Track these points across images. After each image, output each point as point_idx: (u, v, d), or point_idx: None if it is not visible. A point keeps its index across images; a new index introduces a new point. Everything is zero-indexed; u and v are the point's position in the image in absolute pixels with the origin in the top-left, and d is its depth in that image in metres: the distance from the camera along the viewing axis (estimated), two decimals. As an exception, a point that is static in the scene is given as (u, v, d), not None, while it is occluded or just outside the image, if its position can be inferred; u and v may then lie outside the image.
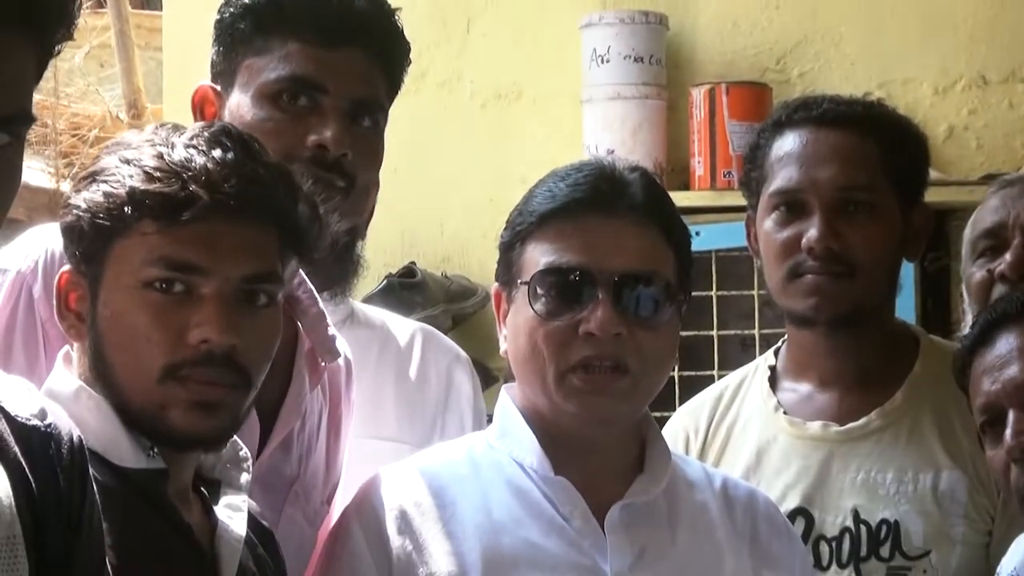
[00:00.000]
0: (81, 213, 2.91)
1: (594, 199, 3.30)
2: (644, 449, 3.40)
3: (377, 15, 3.54)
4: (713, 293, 5.20)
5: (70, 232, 2.97)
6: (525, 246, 3.33)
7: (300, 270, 3.27)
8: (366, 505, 3.33)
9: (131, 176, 2.88)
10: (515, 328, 3.33)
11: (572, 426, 3.29)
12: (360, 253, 4.01)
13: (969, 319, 4.24)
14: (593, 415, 3.27)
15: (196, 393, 2.89)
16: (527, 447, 3.31)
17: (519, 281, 3.31)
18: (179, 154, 2.90)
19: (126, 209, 2.85)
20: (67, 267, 2.98)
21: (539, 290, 3.25)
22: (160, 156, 2.90)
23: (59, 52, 2.39)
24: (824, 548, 3.80)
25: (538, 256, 3.28)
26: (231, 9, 3.54)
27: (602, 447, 3.35)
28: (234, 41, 3.53)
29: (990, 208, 4.39)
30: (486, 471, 3.37)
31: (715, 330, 5.18)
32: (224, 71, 3.55)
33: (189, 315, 2.88)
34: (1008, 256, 4.13)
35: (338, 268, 3.88)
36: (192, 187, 2.85)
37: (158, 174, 2.86)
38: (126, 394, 2.89)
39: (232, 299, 2.92)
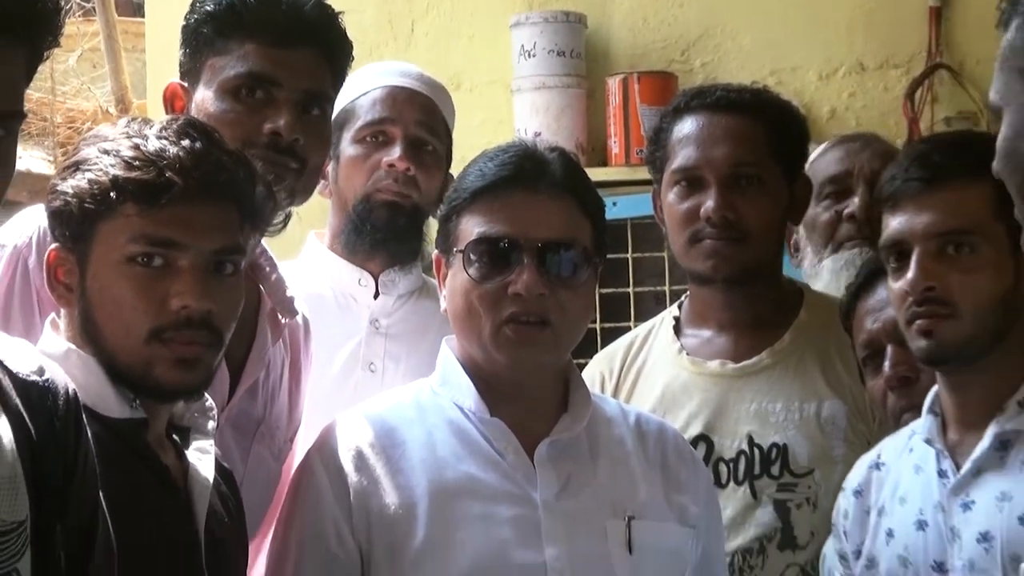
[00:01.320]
0: (69, 199, 2.93)
1: (518, 177, 3.34)
2: (568, 391, 3.43)
3: (323, 18, 3.55)
4: (629, 255, 5.20)
5: (58, 215, 2.98)
6: (460, 219, 3.37)
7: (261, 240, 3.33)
8: (327, 446, 3.35)
9: (113, 165, 2.90)
10: (453, 290, 3.37)
11: (504, 373, 3.34)
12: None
13: (809, 253, 4.58)
14: (522, 363, 3.31)
15: (178, 352, 2.93)
16: (466, 392, 3.35)
17: (455, 249, 3.36)
18: (153, 145, 2.92)
19: (111, 195, 2.87)
20: (55, 245, 2.99)
21: (472, 257, 3.30)
22: (137, 147, 2.92)
23: (48, 57, 2.45)
24: (723, 468, 3.85)
25: (471, 227, 3.33)
26: (195, 15, 3.55)
27: (530, 391, 3.39)
28: (198, 43, 3.54)
29: (834, 159, 4.60)
30: (430, 414, 3.39)
31: (631, 287, 5.18)
32: (190, 70, 3.56)
33: (169, 285, 2.91)
34: (856, 200, 4.40)
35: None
36: (168, 174, 2.88)
37: (137, 163, 2.88)
38: (115, 354, 2.92)
39: (205, 270, 2.95)
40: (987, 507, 3.19)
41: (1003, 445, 3.20)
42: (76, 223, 2.94)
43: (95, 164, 2.94)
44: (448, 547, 3.24)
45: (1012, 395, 3.19)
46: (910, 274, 3.28)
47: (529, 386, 3.39)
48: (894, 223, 3.37)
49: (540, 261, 3.25)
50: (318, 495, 3.30)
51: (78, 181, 2.94)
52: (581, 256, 3.32)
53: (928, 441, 3.35)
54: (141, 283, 2.93)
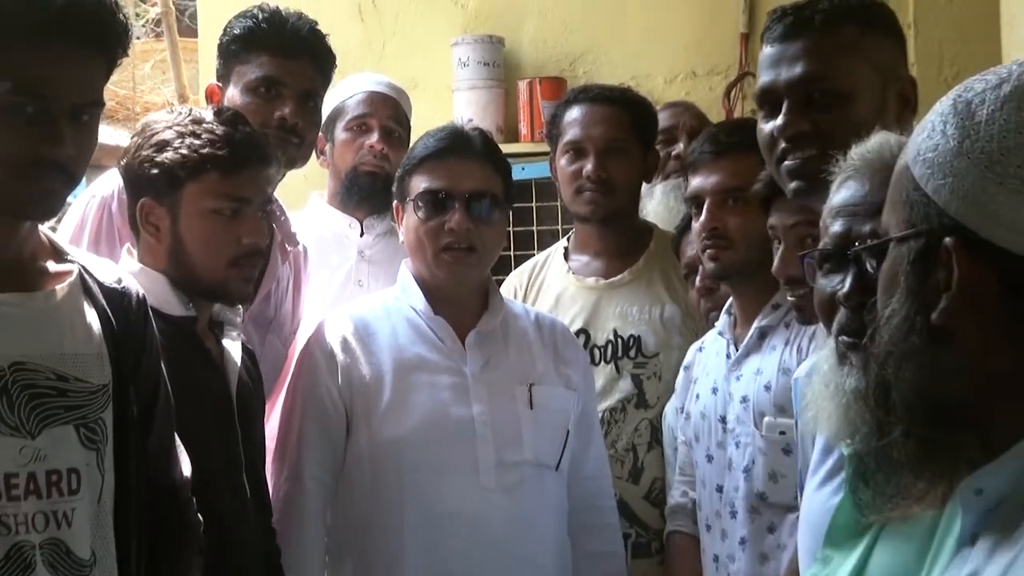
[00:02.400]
0: (161, 167, 2.96)
1: (451, 147, 3.43)
2: (488, 297, 3.51)
3: (316, 38, 3.62)
4: (533, 204, 5.22)
5: (152, 178, 2.99)
6: (411, 177, 3.44)
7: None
8: (320, 334, 3.43)
9: (201, 145, 2.95)
10: (407, 227, 3.45)
11: (443, 285, 3.42)
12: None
13: None
14: (456, 277, 3.40)
15: (246, 273, 3.06)
16: (417, 299, 3.43)
17: (408, 199, 3.44)
18: (222, 130, 2.99)
19: (204, 164, 2.94)
20: (144, 198, 3.01)
21: (420, 204, 3.38)
22: (212, 132, 2.98)
23: (120, 64, 2.48)
24: (596, 352, 3.90)
25: (419, 183, 3.40)
26: (227, 36, 3.62)
27: (461, 296, 3.47)
28: (229, 56, 3.60)
29: (664, 117, 4.57)
30: (393, 313, 3.46)
31: (535, 227, 5.21)
32: (224, 75, 3.63)
33: (241, 227, 3.00)
34: (680, 145, 4.52)
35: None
36: (242, 151, 2.98)
37: (218, 144, 2.95)
38: (200, 274, 3.00)
39: (260, 216, 3.06)
40: (747, 378, 3.31)
41: (762, 334, 3.31)
42: (166, 184, 2.96)
43: (179, 144, 2.97)
44: (405, 405, 3.31)
45: (769, 301, 3.28)
46: (703, 218, 3.40)
47: (460, 293, 3.46)
48: (694, 182, 3.48)
49: (466, 206, 3.34)
50: (316, 369, 3.38)
51: (168, 156, 2.96)
52: (494, 203, 3.41)
53: (720, 333, 3.47)
54: (223, 227, 2.99)
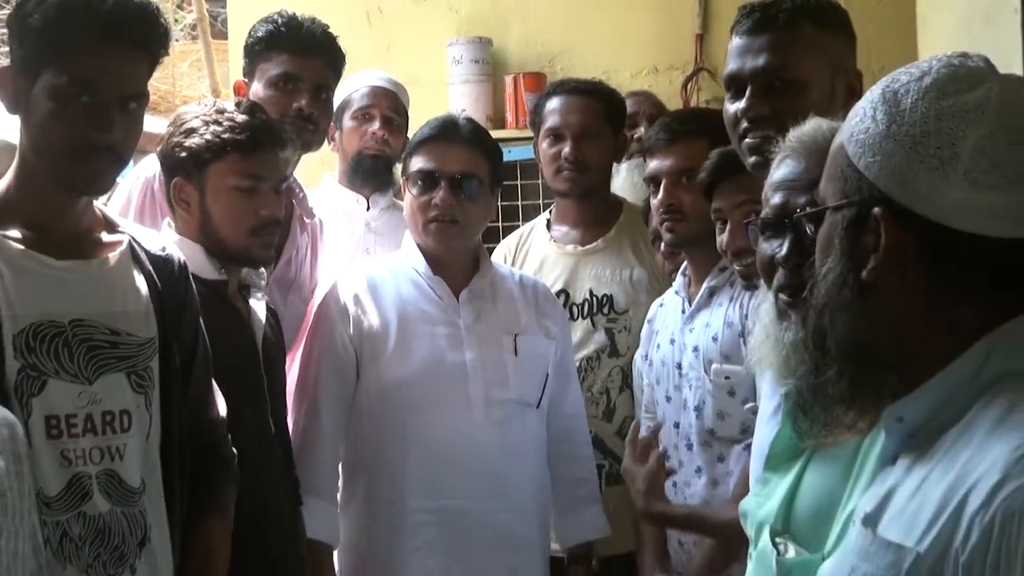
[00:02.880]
0: (189, 151, 2.98)
1: (442, 133, 3.45)
2: (478, 261, 3.53)
3: (328, 39, 3.60)
4: (518, 182, 5.16)
5: (182, 160, 3.01)
6: (410, 159, 3.47)
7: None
8: (335, 290, 3.46)
9: (222, 132, 2.97)
10: (407, 202, 3.47)
11: (434, 250, 3.44)
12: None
13: None
14: (441, 244, 3.41)
15: (266, 240, 3.05)
16: (419, 261, 3.44)
17: (406, 176, 3.46)
18: (241, 118, 3.00)
19: (225, 148, 2.96)
20: (176, 178, 3.04)
21: (413, 182, 3.41)
22: (233, 119, 2.99)
23: (161, 62, 2.51)
24: (575, 309, 3.89)
25: (415, 164, 3.43)
26: (251, 38, 3.61)
27: (454, 260, 3.48)
28: (253, 55, 3.59)
29: (627, 104, 4.42)
30: (398, 274, 3.47)
31: (519, 201, 5.18)
32: (249, 71, 3.62)
33: (258, 201, 3.00)
34: (641, 129, 4.47)
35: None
36: (258, 136, 2.99)
37: (238, 130, 2.97)
38: (226, 243, 3.01)
39: (278, 191, 3.06)
40: (698, 330, 3.31)
41: (711, 293, 3.31)
42: (193, 165, 2.99)
43: (204, 131, 2.99)
44: (407, 351, 3.34)
45: (717, 264, 3.28)
46: (660, 196, 3.39)
47: (453, 258, 3.47)
48: (651, 164, 3.47)
49: (452, 184, 3.35)
50: (331, 319, 3.41)
51: (195, 140, 2.99)
52: (478, 183, 3.41)
53: (677, 292, 3.48)
54: (243, 202, 3.00)
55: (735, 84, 2.63)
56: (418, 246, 3.48)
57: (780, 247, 2.14)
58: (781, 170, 2.17)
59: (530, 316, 3.52)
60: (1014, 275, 1.53)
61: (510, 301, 3.53)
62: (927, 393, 1.55)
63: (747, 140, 2.59)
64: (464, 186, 3.38)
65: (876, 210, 1.53)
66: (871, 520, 1.54)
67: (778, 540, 2.05)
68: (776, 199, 2.17)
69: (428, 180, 3.39)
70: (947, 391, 1.54)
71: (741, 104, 2.61)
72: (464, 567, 3.31)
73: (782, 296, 2.14)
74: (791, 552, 2.01)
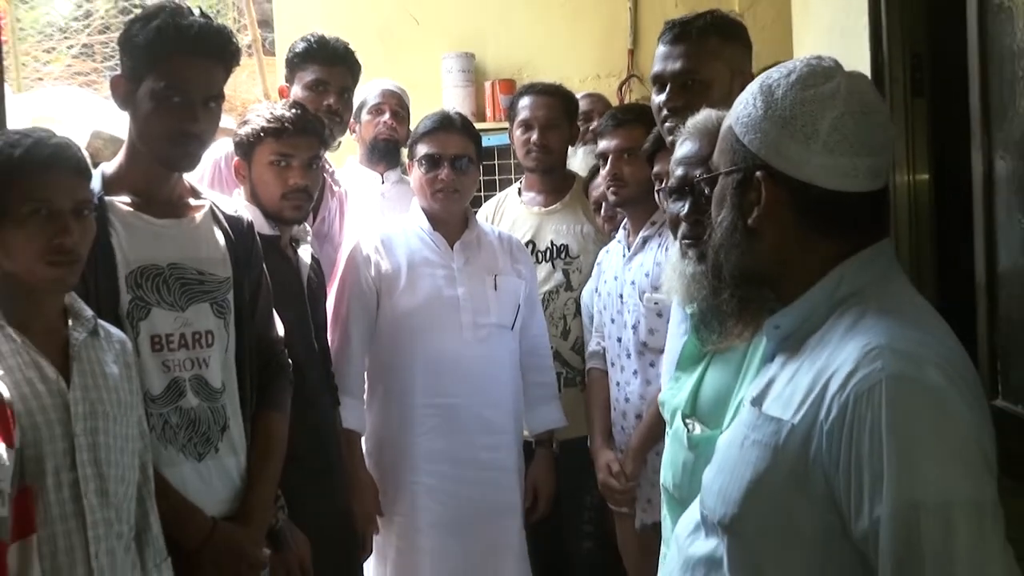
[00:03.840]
0: (242, 136, 3.00)
1: (441, 125, 3.42)
2: (467, 220, 3.51)
3: (349, 53, 3.57)
4: (496, 162, 5.10)
5: (239, 144, 3.03)
6: (417, 145, 3.42)
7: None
8: (360, 244, 3.43)
9: (262, 122, 2.97)
10: (414, 177, 3.44)
11: (437, 213, 3.41)
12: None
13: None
14: (445, 208, 3.40)
15: (294, 202, 2.99)
16: (422, 221, 3.43)
17: (414, 159, 3.42)
18: (278, 112, 2.98)
19: (261, 134, 2.96)
20: (236, 157, 3.05)
21: (422, 163, 3.38)
22: (272, 114, 2.98)
23: (232, 71, 2.51)
24: (539, 255, 3.82)
25: (421, 150, 3.39)
26: (291, 53, 3.58)
27: (450, 220, 3.45)
28: (293, 66, 3.57)
29: (583, 103, 4.37)
30: (408, 230, 3.45)
31: (496, 176, 5.09)
32: (289, 78, 3.60)
33: (288, 173, 2.97)
34: (593, 123, 4.24)
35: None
36: (287, 125, 2.95)
37: (272, 120, 2.96)
38: (265, 205, 2.97)
39: (306, 167, 3.00)
40: (635, 269, 3.27)
41: (644, 241, 3.27)
42: (246, 147, 3.00)
43: (253, 122, 3.00)
44: (414, 288, 3.35)
45: (648, 219, 3.27)
46: (607, 168, 3.36)
47: (450, 217, 3.45)
48: (600, 144, 3.43)
49: (452, 164, 3.36)
50: (357, 265, 3.40)
51: (245, 129, 3.01)
52: (469, 161, 3.41)
53: (619, 241, 3.44)
54: (276, 173, 2.97)
55: (658, 82, 2.63)
56: (423, 209, 3.45)
57: (683, 207, 2.17)
58: (682, 149, 2.18)
59: (506, 261, 3.50)
60: (861, 219, 1.56)
61: (491, 250, 3.50)
62: (797, 307, 1.57)
63: (667, 124, 2.60)
64: (460, 164, 3.37)
65: (758, 174, 1.55)
66: (757, 401, 1.57)
67: (688, 421, 2.10)
68: (679, 171, 2.18)
69: (433, 161, 3.36)
70: (811, 305, 1.56)
71: (662, 98, 2.62)
72: (458, 446, 3.33)
73: (685, 242, 2.15)
74: (697, 430, 2.06)
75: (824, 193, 1.53)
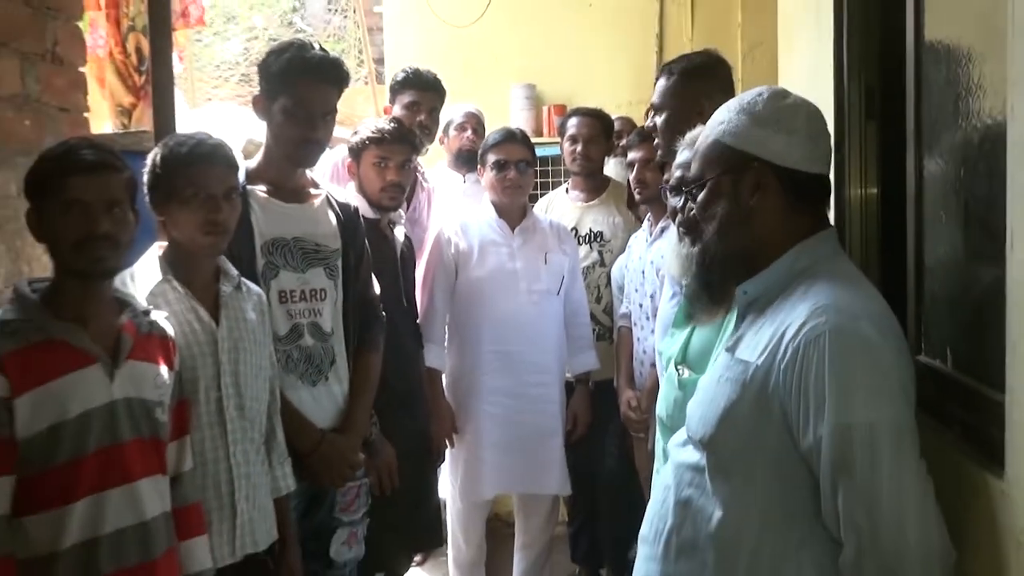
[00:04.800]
0: (354, 144, 2.99)
1: (505, 138, 3.38)
2: (526, 211, 3.47)
3: (437, 81, 3.52)
4: (550, 168, 4.88)
5: (352, 149, 3.00)
6: (488, 154, 3.38)
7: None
8: (443, 230, 3.43)
9: (367, 133, 2.96)
10: (487, 178, 3.40)
11: (504, 205, 3.39)
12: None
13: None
14: (512, 202, 3.38)
15: (391, 194, 2.95)
16: (491, 211, 3.42)
17: (485, 165, 3.39)
18: (381, 126, 2.97)
19: (366, 142, 2.95)
20: (350, 160, 3.02)
21: (493, 167, 3.35)
22: (376, 127, 2.97)
23: (343, 91, 2.48)
24: (580, 239, 3.75)
25: (492, 156, 3.36)
26: (394, 81, 3.56)
27: (513, 210, 3.42)
28: (393, 91, 3.54)
29: (617, 124, 4.23)
30: (479, 219, 3.44)
31: (550, 179, 4.88)
32: (392, 100, 3.56)
33: (386, 172, 2.93)
34: (626, 139, 4.00)
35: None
36: (386, 136, 2.94)
37: (376, 132, 2.94)
38: (369, 196, 2.94)
39: (402, 167, 2.97)
40: (654, 252, 3.17)
41: (662, 231, 3.17)
42: (356, 151, 2.99)
43: (361, 133, 2.99)
44: (484, 262, 3.35)
45: (665, 213, 3.03)
46: (634, 174, 3.34)
47: (513, 208, 3.42)
48: (630, 155, 3.39)
49: (515, 167, 3.34)
50: (441, 245, 3.41)
51: (356, 138, 3.00)
52: (528, 165, 3.37)
53: (644, 230, 3.38)
54: (377, 172, 2.94)
55: (653, 108, 2.60)
56: (492, 203, 3.42)
57: (678, 201, 2.15)
58: (680, 156, 2.16)
59: (555, 242, 3.47)
60: (825, 198, 1.59)
61: (543, 234, 3.47)
62: (762, 277, 1.57)
63: (656, 141, 2.59)
64: (521, 167, 3.35)
65: (755, 163, 1.54)
66: (731, 349, 1.58)
67: (678, 367, 2.09)
68: (677, 173, 2.17)
69: (501, 165, 3.35)
70: (776, 276, 1.56)
71: (653, 122, 2.60)
72: (514, 383, 3.34)
73: (681, 229, 2.14)
74: (686, 374, 2.06)
75: (805, 177, 1.54)
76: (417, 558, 3.77)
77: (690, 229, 2.06)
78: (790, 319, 1.46)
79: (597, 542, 3.88)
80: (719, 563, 1.51)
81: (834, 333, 1.39)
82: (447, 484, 3.51)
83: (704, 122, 2.22)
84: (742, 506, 1.50)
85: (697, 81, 2.53)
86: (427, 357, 3.27)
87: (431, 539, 3.26)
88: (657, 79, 2.61)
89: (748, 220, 1.57)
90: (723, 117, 1.62)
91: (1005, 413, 1.25)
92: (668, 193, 2.24)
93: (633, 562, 1.73)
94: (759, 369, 1.47)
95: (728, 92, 2.61)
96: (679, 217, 2.16)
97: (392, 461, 2.75)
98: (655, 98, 2.59)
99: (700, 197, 1.63)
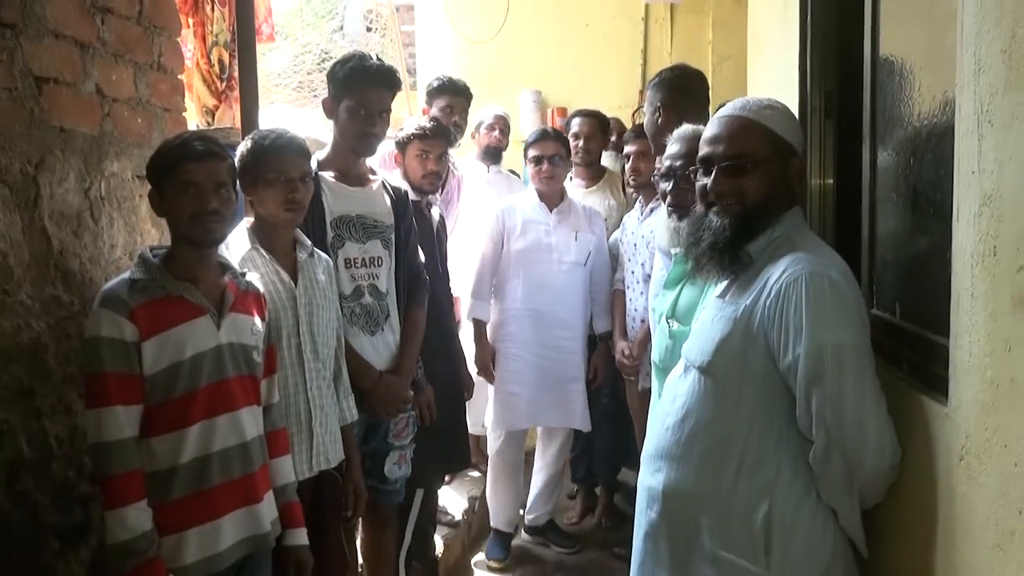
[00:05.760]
0: (401, 139, 2.93)
1: (542, 136, 3.34)
2: (563, 195, 3.42)
3: (467, 88, 3.48)
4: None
5: (398, 143, 2.95)
6: (528, 150, 3.35)
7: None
8: (496, 211, 3.39)
9: (412, 129, 2.91)
10: (530, 169, 3.37)
11: (543, 191, 3.35)
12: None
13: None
14: (549, 188, 3.34)
15: (431, 180, 2.90)
16: (533, 196, 3.38)
17: (526, 159, 3.38)
18: (422, 124, 2.92)
19: (411, 137, 2.89)
20: (396, 151, 2.97)
21: (532, 161, 3.33)
22: (418, 124, 2.92)
23: (396, 94, 2.44)
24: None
25: (531, 152, 3.34)
26: (429, 87, 3.51)
27: (552, 195, 3.37)
28: (429, 95, 3.52)
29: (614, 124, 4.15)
30: (523, 202, 3.39)
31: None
32: (429, 102, 3.53)
33: (427, 163, 2.88)
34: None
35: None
36: (427, 132, 2.89)
37: (419, 129, 2.89)
38: (412, 182, 2.86)
39: (440, 159, 2.92)
40: (645, 227, 3.20)
41: (652, 211, 3.17)
42: (402, 145, 2.93)
43: (406, 129, 2.93)
44: (525, 236, 3.34)
45: (655, 196, 3.05)
46: (630, 164, 3.33)
47: (551, 193, 3.38)
48: (625, 148, 3.39)
49: (550, 160, 3.31)
50: (492, 223, 3.39)
51: (403, 133, 2.94)
52: (560, 158, 3.33)
53: (636, 209, 3.36)
54: (419, 163, 2.89)
55: (646, 111, 2.58)
56: (535, 189, 3.40)
57: (668, 186, 2.15)
58: (670, 149, 2.14)
59: (585, 223, 3.43)
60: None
61: (577, 216, 3.43)
62: (756, 244, 1.59)
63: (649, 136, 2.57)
64: (554, 160, 3.34)
65: (797, 155, 1.56)
66: (722, 295, 1.61)
67: (669, 321, 2.09)
68: (667, 163, 2.15)
69: (538, 160, 3.34)
70: (764, 243, 1.58)
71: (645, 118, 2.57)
72: (544, 336, 3.35)
73: (669, 207, 2.14)
74: (675, 326, 2.06)
75: (803, 167, 1.58)
76: (447, 478, 3.79)
77: (678, 207, 2.06)
78: (772, 270, 1.51)
79: (592, 465, 3.94)
80: (714, 464, 1.55)
81: (809, 276, 1.45)
82: (479, 419, 3.54)
83: (688, 120, 2.23)
84: (732, 417, 1.54)
85: (681, 89, 2.51)
86: (474, 310, 3.33)
87: (461, 462, 3.24)
88: (648, 88, 2.59)
89: (777, 197, 1.56)
90: (769, 111, 1.58)
91: (949, 353, 1.28)
92: (660, 179, 2.23)
93: (621, 483, 1.73)
94: (747, 308, 1.52)
95: (706, 97, 2.59)
96: (668, 198, 2.16)
97: (431, 398, 2.72)
98: (648, 104, 2.56)
99: (737, 171, 1.57)
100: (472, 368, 3.30)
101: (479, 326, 3.38)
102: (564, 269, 3.35)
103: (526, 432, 3.58)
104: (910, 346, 1.52)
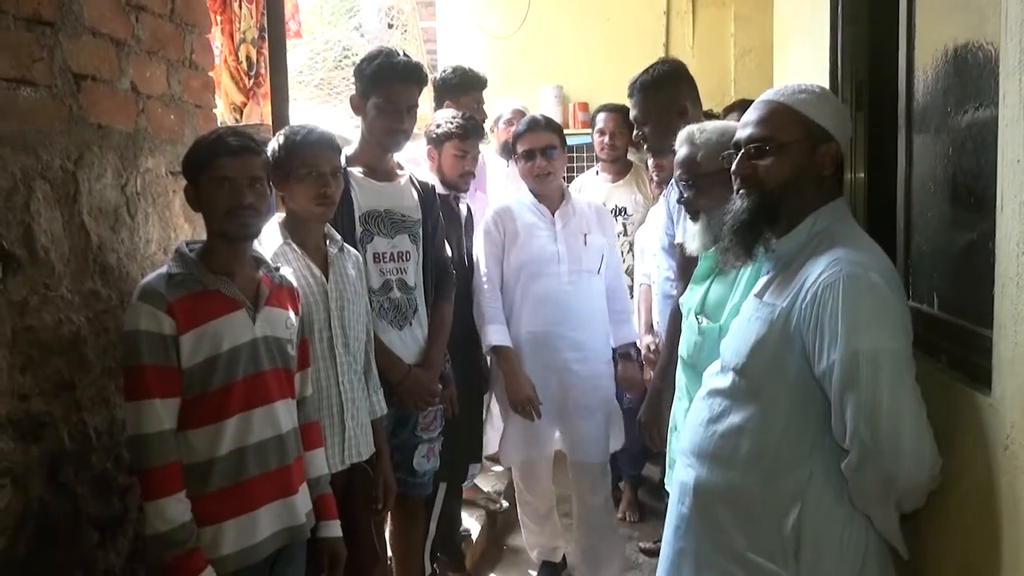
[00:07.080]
0: (438, 134, 2.91)
1: (529, 127, 3.01)
2: (564, 193, 3.10)
3: (485, 82, 3.44)
4: (574, 154, 4.79)
5: (432, 139, 2.92)
6: (516, 145, 3.04)
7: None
8: (492, 214, 3.08)
9: (450, 127, 2.89)
10: (520, 166, 3.05)
11: (539, 190, 3.03)
12: None
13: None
14: (541, 187, 3.02)
15: (467, 181, 2.93)
16: (530, 196, 3.07)
17: (515, 154, 3.06)
18: (459, 120, 2.90)
19: (450, 135, 2.88)
20: (431, 147, 2.93)
21: (523, 156, 3.01)
22: (457, 120, 2.90)
23: (423, 89, 2.44)
24: (612, 213, 3.67)
25: (520, 147, 3.01)
26: (439, 85, 3.46)
27: (550, 194, 3.04)
28: (451, 92, 3.43)
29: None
30: (521, 204, 3.07)
31: (585, 164, 4.80)
32: (453, 100, 3.42)
33: (464, 162, 2.90)
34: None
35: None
36: (464, 129, 2.88)
37: (459, 127, 2.89)
38: (446, 179, 2.90)
39: (474, 156, 2.94)
40: (670, 214, 3.12)
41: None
42: (438, 140, 2.91)
43: (443, 126, 2.90)
44: (528, 245, 3.00)
45: None
46: (653, 159, 3.27)
47: (549, 193, 3.05)
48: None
49: (543, 154, 2.97)
50: (490, 227, 3.04)
51: (440, 129, 2.91)
52: (556, 150, 2.98)
53: (660, 203, 3.32)
54: (457, 161, 2.89)
55: (636, 122, 2.55)
56: (530, 190, 3.10)
57: (683, 188, 2.08)
58: (680, 153, 2.09)
59: (593, 224, 3.10)
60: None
61: (583, 216, 3.09)
62: (789, 239, 1.56)
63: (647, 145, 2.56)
64: (549, 153, 2.99)
65: (832, 140, 1.52)
66: (759, 295, 1.58)
67: (698, 316, 2.06)
68: (678, 171, 2.10)
69: (529, 154, 3.00)
70: (800, 236, 1.55)
71: (642, 132, 2.54)
72: (553, 360, 3.00)
73: (685, 207, 2.09)
74: (704, 322, 2.03)
75: (839, 154, 1.53)
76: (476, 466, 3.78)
77: (689, 206, 2.04)
78: (810, 270, 1.47)
79: (616, 460, 3.90)
80: (747, 465, 1.54)
81: (847, 279, 1.40)
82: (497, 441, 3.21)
83: (689, 120, 2.19)
84: (766, 420, 1.52)
85: (669, 88, 2.46)
86: (491, 336, 2.92)
87: (475, 455, 3.19)
88: (629, 96, 2.51)
89: (808, 183, 1.52)
90: (803, 95, 1.55)
91: (992, 344, 1.27)
92: (679, 185, 2.14)
93: (646, 478, 1.70)
94: (783, 310, 1.49)
95: (694, 88, 2.52)
96: (684, 205, 2.10)
97: (455, 393, 2.71)
98: (635, 113, 2.49)
99: (758, 154, 1.54)
100: (496, 401, 3.08)
101: (505, 353, 2.93)
102: (572, 280, 3.00)
103: (551, 460, 3.19)
104: (949, 337, 1.50)
